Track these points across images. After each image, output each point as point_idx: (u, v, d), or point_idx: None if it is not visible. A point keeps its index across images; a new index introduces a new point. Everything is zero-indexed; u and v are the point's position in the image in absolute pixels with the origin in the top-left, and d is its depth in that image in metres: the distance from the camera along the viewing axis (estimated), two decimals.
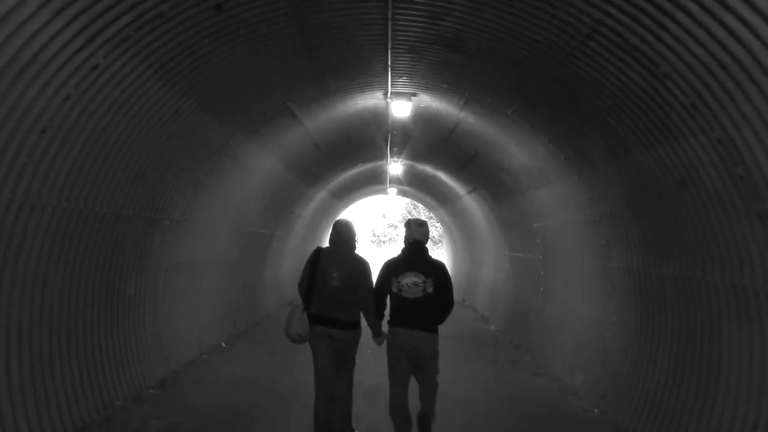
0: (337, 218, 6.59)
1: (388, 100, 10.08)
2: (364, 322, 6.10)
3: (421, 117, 11.35)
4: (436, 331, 6.09)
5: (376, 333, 6.19)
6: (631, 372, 7.76)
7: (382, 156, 16.53)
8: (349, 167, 17.50)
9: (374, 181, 22.73)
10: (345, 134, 12.66)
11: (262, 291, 15.37)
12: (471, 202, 18.62)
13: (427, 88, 9.44)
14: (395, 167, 18.12)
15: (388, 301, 6.17)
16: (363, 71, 8.82)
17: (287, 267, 19.22)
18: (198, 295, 10.30)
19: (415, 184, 22.99)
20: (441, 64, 8.30)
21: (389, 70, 8.74)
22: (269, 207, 13.90)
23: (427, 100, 10.17)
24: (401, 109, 10.21)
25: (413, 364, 6.02)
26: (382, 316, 6.20)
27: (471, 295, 21.61)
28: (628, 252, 7.96)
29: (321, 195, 19.42)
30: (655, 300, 7.38)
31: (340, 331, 5.94)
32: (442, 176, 18.48)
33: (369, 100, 10.27)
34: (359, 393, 7.29)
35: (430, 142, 13.50)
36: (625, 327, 8.14)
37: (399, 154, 16.20)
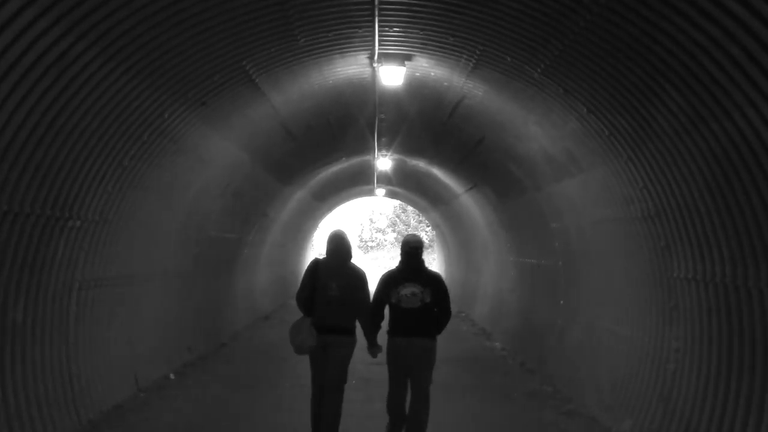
0: (333, 229, 6.65)
1: (375, 65, 7.91)
2: (359, 331, 6.27)
3: (417, 91, 9.19)
4: (434, 339, 6.35)
5: (372, 343, 6.36)
6: (712, 426, 5.62)
7: (368, 148, 14.35)
8: (331, 162, 15.29)
9: (360, 181, 20.54)
10: (322, 116, 10.46)
11: (228, 306, 13.12)
12: (469, 202, 16.47)
13: (426, 46, 7.29)
14: (384, 162, 15.95)
15: (386, 312, 6.37)
16: (342, 20, 6.66)
17: (263, 277, 16.99)
18: (134, 317, 8.08)
19: (406, 184, 20.83)
20: (446, 8, 6.16)
21: (376, 19, 6.59)
22: (235, 208, 11.68)
23: (424, 66, 8.02)
24: (392, 76, 8.04)
25: (410, 372, 6.25)
26: (379, 327, 6.42)
27: (468, 305, 19.44)
28: (704, 257, 5.83)
29: (300, 195, 17.21)
30: (750, 325, 5.26)
31: (337, 337, 6.12)
32: (437, 173, 16.33)
33: (351, 66, 8.10)
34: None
35: (425, 126, 11.34)
36: (698, 359, 6.00)
37: (388, 145, 14.02)
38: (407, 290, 6.18)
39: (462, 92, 8.73)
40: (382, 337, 6.36)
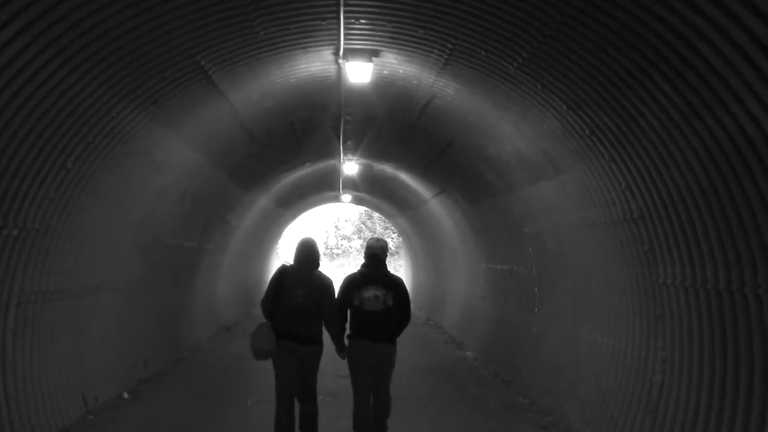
0: (302, 237, 6.56)
1: (341, 61, 7.45)
2: (326, 338, 6.25)
3: (384, 90, 8.75)
4: (395, 342, 6.47)
5: (340, 347, 6.40)
6: None
7: (333, 152, 13.87)
8: (295, 167, 14.77)
9: (326, 186, 20.03)
10: (285, 117, 9.96)
11: (188, 318, 12.51)
12: (438, 207, 16.08)
13: (395, 40, 6.85)
14: (350, 167, 15.47)
15: (348, 315, 6.43)
16: (305, 12, 6.19)
17: (225, 287, 16.37)
18: (83, 332, 7.48)
19: (372, 189, 20.38)
20: None
21: (341, 10, 6.14)
22: (193, 214, 11.10)
23: (392, 63, 7.58)
24: (358, 73, 7.57)
25: (373, 375, 6.33)
26: (343, 330, 6.41)
27: (437, 313, 19.04)
28: (693, 261, 5.47)
29: (263, 202, 16.64)
30: (746, 333, 4.90)
31: (304, 346, 6.11)
32: (404, 177, 15.91)
33: (315, 63, 7.62)
34: None
35: (393, 128, 10.90)
36: (688, 371, 5.64)
37: (354, 149, 13.56)
38: (370, 293, 6.28)
39: (432, 91, 8.30)
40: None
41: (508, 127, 8.00)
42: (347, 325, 6.44)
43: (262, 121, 9.60)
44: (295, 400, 6.22)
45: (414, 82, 8.12)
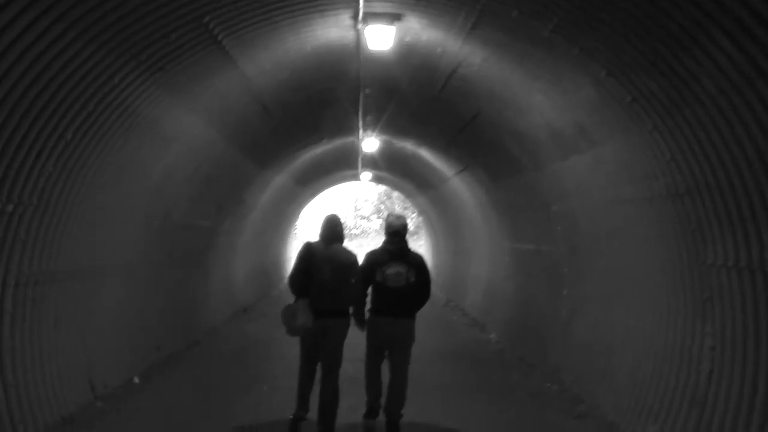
0: (326, 213, 6.64)
1: (360, 26, 6.95)
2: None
3: (406, 60, 8.24)
4: (414, 318, 6.55)
5: (360, 321, 6.52)
6: None
7: (352, 128, 13.38)
8: (313, 144, 14.29)
9: (344, 165, 19.56)
10: (301, 91, 9.47)
11: (203, 300, 12.14)
12: (460, 185, 15.56)
13: (418, 2, 6.33)
14: (369, 143, 14.98)
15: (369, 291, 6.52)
16: None
17: (241, 268, 16.00)
18: (90, 315, 7.10)
19: (392, 167, 19.88)
20: None
21: None
22: (207, 192, 10.68)
23: (415, 28, 7.07)
24: (379, 39, 7.07)
25: (390, 351, 6.45)
26: (365, 305, 6.53)
27: (458, 294, 18.57)
28: (749, 241, 4.95)
29: (280, 180, 16.20)
30: None
31: (331, 320, 6.16)
32: (425, 154, 15.39)
33: (332, 28, 7.12)
34: None
35: (415, 101, 10.38)
36: (742, 360, 5.15)
37: (374, 124, 13.07)
38: (393, 270, 6.38)
39: (457, 59, 7.78)
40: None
41: (539, 98, 7.47)
42: (368, 300, 6.57)
43: (277, 94, 9.13)
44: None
45: (438, 50, 7.61)
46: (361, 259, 6.49)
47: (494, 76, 7.79)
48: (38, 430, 5.74)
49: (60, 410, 6.23)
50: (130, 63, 5.67)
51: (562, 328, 9.40)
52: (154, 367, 8.74)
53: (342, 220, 6.57)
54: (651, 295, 6.65)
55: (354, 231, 52.05)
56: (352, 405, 6.98)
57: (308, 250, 6.27)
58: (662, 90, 5.23)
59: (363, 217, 53.67)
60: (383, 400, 6.56)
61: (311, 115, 11.26)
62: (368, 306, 6.54)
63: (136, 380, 8.01)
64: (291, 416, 6.30)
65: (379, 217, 49.04)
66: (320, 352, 6.22)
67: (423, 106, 10.64)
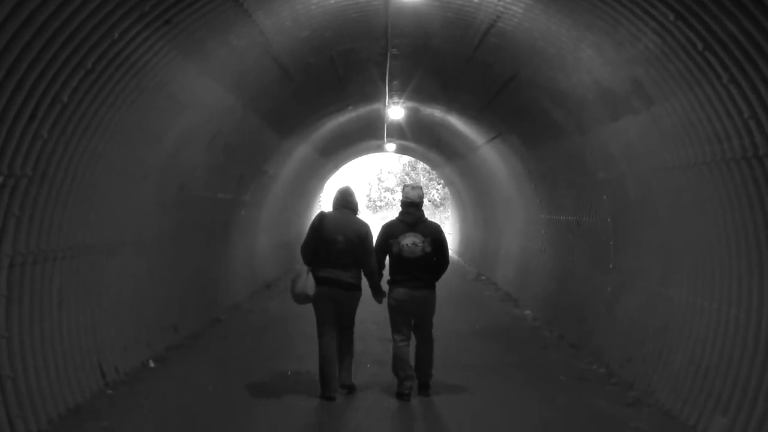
0: (340, 185, 6.72)
1: None
2: (363, 285, 6.43)
3: (439, 14, 7.52)
4: (434, 288, 6.57)
5: (377, 292, 6.58)
6: None
7: (378, 95, 12.68)
8: (337, 111, 13.61)
9: (369, 134, 18.87)
10: (324, 51, 8.79)
11: (225, 276, 11.60)
12: (491, 154, 14.83)
13: None
14: (395, 111, 14.27)
15: (386, 262, 6.58)
16: None
17: (264, 242, 15.47)
18: (98, 296, 6.55)
19: (419, 137, 19.16)
20: None
21: None
22: (226, 163, 10.08)
23: None
24: None
25: (413, 321, 6.52)
26: (381, 275, 6.57)
27: (489, 268, 17.94)
28: None
29: (303, 150, 15.58)
30: None
31: (343, 291, 6.25)
32: (455, 122, 14.66)
33: None
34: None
35: (446, 63, 9.65)
36: None
37: (401, 90, 12.35)
38: (409, 240, 6.39)
39: (496, 10, 7.04)
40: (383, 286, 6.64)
41: (588, 52, 6.72)
42: (386, 272, 6.62)
43: (297, 54, 8.45)
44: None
45: (475, 0, 6.87)
46: (377, 231, 6.55)
47: (537, 30, 7.05)
48: (40, 425, 5.20)
49: (66, 401, 5.68)
50: (132, 14, 5.00)
51: (606, 305, 8.72)
52: (171, 349, 8.20)
53: (354, 192, 6.65)
54: (716, 269, 5.93)
55: (378, 203, 51.63)
56: (383, 385, 6.90)
57: (321, 220, 6.34)
58: (744, 33, 4.47)
59: (387, 189, 53.28)
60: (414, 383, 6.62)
61: (335, 80, 10.58)
62: (387, 277, 6.59)
63: (152, 364, 7.48)
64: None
65: (403, 190, 48.34)
66: (335, 320, 6.37)
67: (455, 68, 9.90)
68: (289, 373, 7.38)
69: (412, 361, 6.64)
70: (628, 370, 7.39)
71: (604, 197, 8.83)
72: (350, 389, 6.57)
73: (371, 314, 9.93)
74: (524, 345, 9.49)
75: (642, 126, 6.85)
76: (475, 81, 10.24)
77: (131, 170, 6.85)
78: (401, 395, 6.51)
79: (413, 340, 6.68)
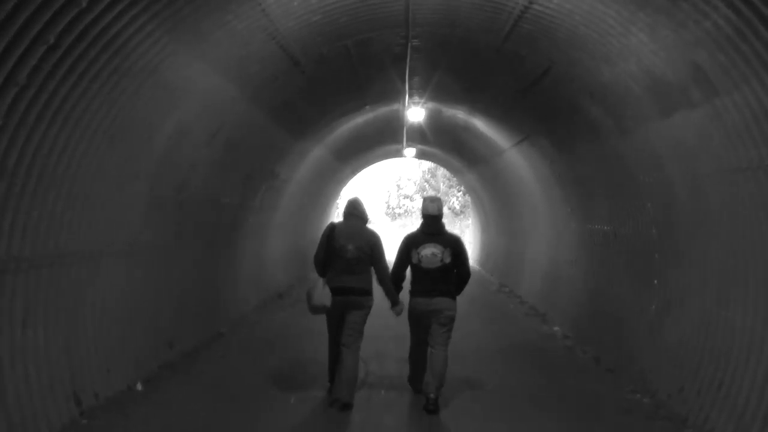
0: (350, 196, 6.88)
1: None
2: (376, 292, 6.45)
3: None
4: (454, 299, 6.55)
5: (394, 302, 6.57)
6: None
7: (397, 93, 11.82)
8: (353, 111, 12.77)
9: (387, 138, 18.02)
10: (338, 40, 7.94)
11: (229, 286, 10.77)
12: (517, 158, 13.92)
13: None
14: (415, 112, 13.39)
15: (408, 273, 6.65)
16: None
17: (276, 248, 14.65)
18: (76, 311, 5.74)
19: (440, 141, 18.29)
20: None
21: None
22: (230, 163, 9.27)
23: None
24: None
25: (430, 330, 6.48)
26: (401, 288, 6.67)
27: (512, 279, 16.99)
28: None
29: (317, 153, 14.75)
30: None
31: (356, 297, 6.33)
32: (479, 124, 13.77)
33: None
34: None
35: (473, 56, 8.77)
36: None
37: (422, 88, 11.49)
38: (427, 250, 6.45)
39: None
40: (404, 297, 6.59)
41: (639, 36, 5.83)
42: (406, 284, 6.66)
43: (308, 43, 7.62)
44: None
45: None
46: (395, 239, 6.62)
47: (579, 12, 6.16)
48: None
49: None
50: None
51: (650, 326, 7.79)
52: (164, 369, 7.38)
53: (363, 202, 6.75)
54: None
55: (397, 210, 50.87)
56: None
57: (332, 230, 6.45)
58: None
59: (406, 197, 52.61)
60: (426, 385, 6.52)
61: (351, 75, 9.75)
62: (408, 288, 6.60)
63: (139, 387, 6.65)
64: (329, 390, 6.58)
65: (422, 197, 47.66)
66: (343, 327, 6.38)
67: (481, 62, 9.03)
68: (292, 400, 6.53)
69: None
70: (680, 401, 6.46)
71: (648, 204, 7.90)
72: (345, 408, 6.35)
73: (390, 330, 9.10)
74: (556, 367, 8.56)
75: (700, 121, 5.94)
76: (503, 76, 9.36)
77: (118, 167, 6.04)
78: (428, 401, 6.40)
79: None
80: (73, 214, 5.47)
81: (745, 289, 5.78)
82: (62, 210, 5.29)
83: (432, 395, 6.35)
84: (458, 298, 6.62)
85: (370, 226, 6.74)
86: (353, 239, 6.36)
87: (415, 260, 6.49)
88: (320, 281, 6.28)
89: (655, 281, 7.85)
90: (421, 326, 6.53)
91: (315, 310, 6.29)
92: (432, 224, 6.59)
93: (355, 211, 6.61)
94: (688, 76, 5.65)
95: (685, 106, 6.03)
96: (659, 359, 7.26)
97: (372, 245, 6.41)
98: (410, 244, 6.56)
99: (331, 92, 10.37)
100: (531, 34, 7.26)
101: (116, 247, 6.40)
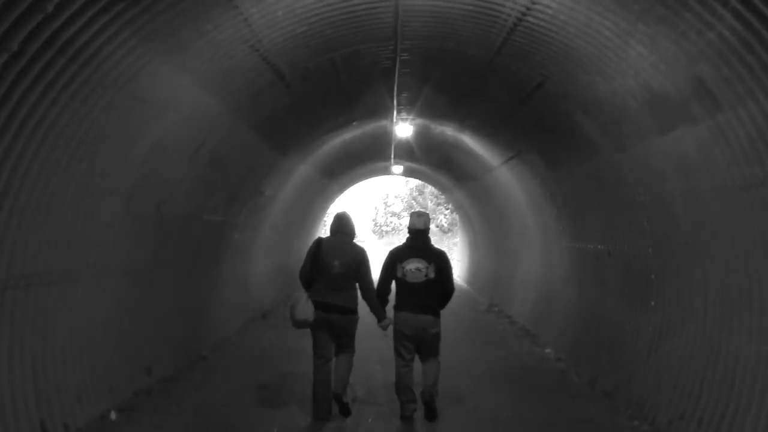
0: (338, 211, 6.91)
1: None
2: (361, 309, 6.45)
3: (457, 9, 6.42)
4: (438, 315, 6.58)
5: (380, 318, 6.57)
6: None
7: (385, 109, 11.58)
8: (340, 127, 12.50)
9: (375, 155, 17.78)
10: (324, 54, 7.67)
11: (212, 307, 10.42)
12: (507, 176, 13.69)
13: None
14: (404, 128, 13.15)
15: (392, 287, 6.65)
16: None
17: (261, 268, 14.31)
18: (44, 334, 5.39)
19: (428, 158, 18.05)
20: None
21: None
22: (215, 180, 8.96)
23: None
24: None
25: (417, 346, 6.53)
26: (386, 302, 6.65)
27: (502, 298, 16.69)
28: None
29: (304, 170, 14.46)
30: None
31: (339, 316, 6.33)
32: (468, 141, 13.55)
33: None
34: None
35: (463, 70, 8.53)
36: None
37: (411, 104, 11.25)
38: (412, 265, 6.49)
39: (523, 3, 5.94)
40: (389, 312, 6.61)
41: (638, 49, 5.60)
42: (392, 297, 6.63)
43: (293, 56, 7.36)
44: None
45: None
46: (382, 256, 6.73)
47: (575, 24, 5.93)
48: None
49: None
50: None
51: (648, 348, 7.51)
52: (141, 396, 7.02)
53: (352, 217, 6.73)
54: None
55: (384, 228, 50.65)
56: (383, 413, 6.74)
57: (318, 246, 6.46)
58: None
59: (393, 214, 52.46)
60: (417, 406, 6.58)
61: (338, 90, 9.49)
62: (393, 302, 6.61)
63: (113, 416, 6.29)
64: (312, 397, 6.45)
65: (409, 214, 47.56)
66: (331, 345, 6.40)
67: (472, 77, 8.80)
68: (275, 431, 6.19)
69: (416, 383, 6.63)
70: (680, 429, 6.18)
71: (645, 223, 7.66)
72: (343, 408, 6.44)
73: (376, 351, 8.78)
74: (550, 392, 8.26)
75: (701, 137, 5.70)
76: (493, 92, 9.13)
77: (90, 183, 5.73)
78: (404, 417, 6.53)
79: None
80: (40, 233, 5.15)
81: (750, 312, 5.53)
82: (28, 229, 4.97)
83: (428, 400, 6.47)
84: (446, 317, 6.69)
85: (357, 241, 6.74)
86: (339, 255, 6.37)
87: (399, 274, 6.51)
88: (304, 295, 6.30)
89: (652, 303, 7.59)
90: (405, 341, 6.50)
91: (298, 324, 6.28)
92: (418, 239, 6.63)
93: (342, 227, 6.60)
94: (689, 89, 5.41)
95: (685, 121, 5.80)
96: (658, 384, 6.97)
97: (358, 261, 6.41)
98: (395, 258, 6.58)
99: (317, 107, 10.10)
100: (523, 47, 7.03)
101: (89, 267, 6.07)
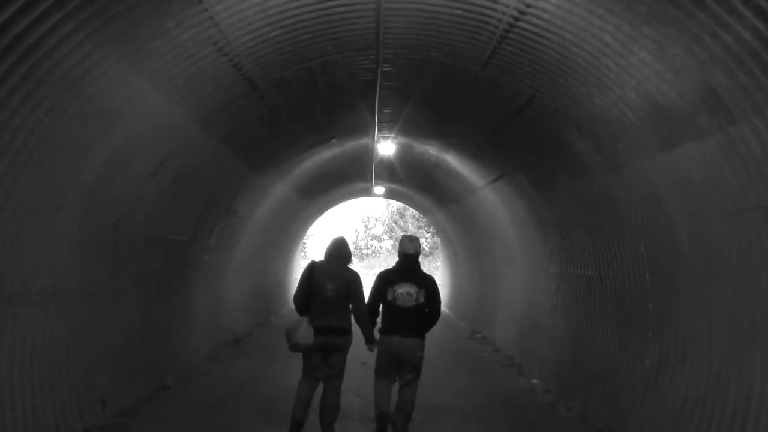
0: (334, 236, 6.96)
1: None
2: (354, 330, 6.51)
3: (444, 15, 5.93)
4: (424, 338, 6.66)
5: (369, 340, 6.66)
6: None
7: (366, 126, 11.07)
8: (319, 144, 11.96)
9: (356, 175, 17.25)
10: (300, 62, 7.14)
11: (179, 332, 9.75)
12: (491, 197, 13.20)
13: None
14: (386, 146, 12.65)
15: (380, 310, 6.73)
16: None
17: (234, 290, 13.65)
18: None
19: (410, 179, 17.56)
20: None
21: None
22: (182, 196, 8.36)
23: None
24: None
25: (399, 370, 6.56)
26: (375, 323, 6.71)
27: (485, 325, 16.13)
28: None
29: (281, 189, 13.88)
30: None
31: (335, 336, 6.42)
32: (452, 161, 13.06)
33: None
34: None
35: (449, 83, 8.04)
36: None
37: (393, 120, 10.76)
38: (403, 289, 6.53)
39: (517, 6, 5.46)
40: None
41: (641, 56, 5.12)
42: (378, 320, 6.67)
43: (267, 64, 6.82)
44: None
45: None
46: (374, 279, 6.74)
47: (572, 29, 5.45)
48: None
49: None
50: None
51: (645, 382, 6.99)
52: None
53: (348, 242, 6.82)
54: None
55: (365, 251, 50.11)
56: None
57: (312, 269, 6.51)
58: None
59: (374, 237, 51.96)
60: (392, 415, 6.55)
61: (317, 103, 8.95)
62: (379, 325, 6.66)
63: None
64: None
65: (390, 237, 47.21)
66: (323, 367, 6.43)
67: (457, 91, 8.32)
68: None
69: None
70: None
71: (641, 247, 7.16)
72: None
73: (355, 381, 8.20)
74: (538, 427, 7.71)
75: (709, 153, 5.21)
76: (480, 107, 8.65)
77: (34, 197, 5.13)
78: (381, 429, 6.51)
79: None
80: None
81: (763, 343, 5.02)
82: None
83: (404, 428, 6.48)
84: (428, 345, 6.69)
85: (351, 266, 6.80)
86: (333, 279, 6.43)
87: (390, 297, 6.54)
88: (304, 320, 6.31)
89: (649, 333, 7.08)
90: (388, 363, 6.54)
91: (296, 348, 6.31)
92: (409, 263, 6.68)
93: (337, 251, 6.64)
94: (698, 99, 4.93)
95: (692, 136, 5.31)
96: (658, 421, 6.44)
97: (351, 285, 6.48)
98: (385, 282, 6.62)
99: (294, 121, 9.55)
100: (514, 56, 6.54)
101: (32, 292, 5.44)
